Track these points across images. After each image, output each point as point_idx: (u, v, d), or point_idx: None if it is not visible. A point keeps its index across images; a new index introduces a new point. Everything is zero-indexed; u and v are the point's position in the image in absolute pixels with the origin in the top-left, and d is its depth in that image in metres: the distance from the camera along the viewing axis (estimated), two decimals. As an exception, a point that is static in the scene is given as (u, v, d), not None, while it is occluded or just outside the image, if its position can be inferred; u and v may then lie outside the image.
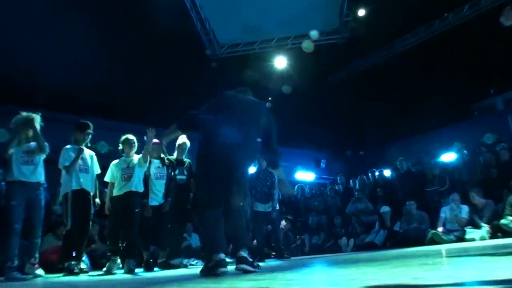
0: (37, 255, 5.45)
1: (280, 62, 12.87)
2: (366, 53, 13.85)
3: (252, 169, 9.14)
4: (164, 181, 6.50)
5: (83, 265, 6.15)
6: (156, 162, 6.50)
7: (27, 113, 5.59)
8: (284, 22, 11.64)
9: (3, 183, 8.74)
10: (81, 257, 6.06)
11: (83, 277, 5.22)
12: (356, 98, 14.40)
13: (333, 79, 14.83)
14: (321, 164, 17.13)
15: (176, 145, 6.96)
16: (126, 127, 9.05)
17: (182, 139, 6.91)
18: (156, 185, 6.41)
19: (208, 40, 12.39)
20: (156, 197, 6.38)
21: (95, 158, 6.23)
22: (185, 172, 6.88)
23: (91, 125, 6.11)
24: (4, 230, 5.30)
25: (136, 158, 6.28)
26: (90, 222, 6.14)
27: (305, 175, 15.82)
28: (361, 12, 11.84)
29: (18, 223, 5.22)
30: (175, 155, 6.96)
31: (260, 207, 7.87)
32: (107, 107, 11.34)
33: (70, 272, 5.49)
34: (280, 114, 13.89)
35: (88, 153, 6.12)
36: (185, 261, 6.74)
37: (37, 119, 5.61)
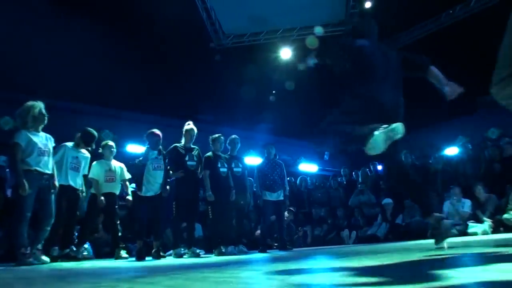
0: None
1: (285, 53, 12.85)
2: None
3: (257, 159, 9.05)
4: (162, 172, 6.39)
5: (85, 253, 6.30)
6: (153, 153, 6.37)
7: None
8: (290, 13, 11.57)
9: (7, 170, 8.87)
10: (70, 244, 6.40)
11: (86, 264, 5.26)
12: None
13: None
14: (325, 156, 17.13)
15: (184, 131, 6.86)
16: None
17: (190, 125, 6.86)
18: (154, 176, 6.32)
19: (213, 30, 12.36)
20: (152, 187, 6.28)
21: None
22: (195, 158, 6.80)
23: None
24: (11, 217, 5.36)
25: (114, 163, 7.02)
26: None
27: (308, 167, 15.82)
28: (368, 4, 11.77)
29: (29, 212, 5.22)
30: (182, 142, 6.85)
31: (269, 196, 7.72)
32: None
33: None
34: (283, 106, 13.81)
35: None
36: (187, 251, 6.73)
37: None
